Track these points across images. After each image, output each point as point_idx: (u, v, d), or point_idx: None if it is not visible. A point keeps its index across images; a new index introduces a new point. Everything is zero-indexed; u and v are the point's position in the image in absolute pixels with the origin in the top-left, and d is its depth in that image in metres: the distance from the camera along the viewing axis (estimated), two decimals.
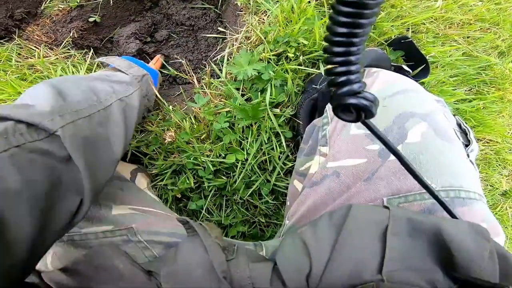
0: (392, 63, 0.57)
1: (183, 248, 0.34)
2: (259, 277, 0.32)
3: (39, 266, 0.37)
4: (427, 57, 0.58)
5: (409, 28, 0.63)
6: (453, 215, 0.31)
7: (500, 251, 0.28)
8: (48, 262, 0.37)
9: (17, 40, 0.65)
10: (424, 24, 0.65)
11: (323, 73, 0.52)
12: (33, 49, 0.65)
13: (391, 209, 0.32)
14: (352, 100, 0.18)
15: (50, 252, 0.37)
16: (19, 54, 0.63)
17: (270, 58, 0.54)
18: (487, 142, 0.67)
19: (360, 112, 0.19)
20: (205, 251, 0.32)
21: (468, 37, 0.67)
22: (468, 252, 0.27)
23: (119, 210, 0.42)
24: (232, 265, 0.32)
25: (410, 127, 0.38)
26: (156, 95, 0.56)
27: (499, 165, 0.69)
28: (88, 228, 0.38)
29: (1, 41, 0.65)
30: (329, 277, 0.29)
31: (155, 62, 0.66)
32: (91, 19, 0.71)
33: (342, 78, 0.18)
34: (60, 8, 0.69)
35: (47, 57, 0.64)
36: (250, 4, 0.62)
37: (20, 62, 0.62)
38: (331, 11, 0.17)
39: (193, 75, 0.61)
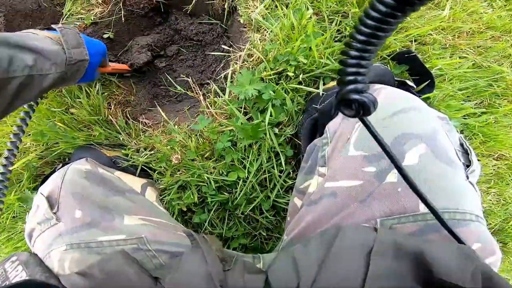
0: (396, 78, 0.56)
1: (186, 259, 0.38)
2: (253, 287, 0.34)
3: (57, 270, 0.40)
4: (432, 71, 0.57)
5: (413, 40, 0.61)
6: (452, 233, 0.32)
7: (486, 272, 0.28)
8: (66, 267, 0.40)
9: None
10: (431, 35, 0.63)
11: (321, 93, 0.52)
12: None
13: (378, 232, 0.33)
14: (355, 96, 0.21)
15: (68, 257, 0.40)
16: None
17: (271, 77, 0.55)
18: (499, 158, 0.64)
19: (359, 108, 0.21)
20: (206, 262, 0.35)
21: (478, 47, 0.65)
22: (449, 273, 0.28)
23: (130, 221, 0.45)
24: (229, 275, 0.35)
25: (408, 149, 0.38)
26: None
27: None
28: (103, 236, 0.42)
29: None
30: None
31: (118, 66, 0.66)
32: (105, 36, 0.74)
33: (350, 77, 0.21)
34: (76, 25, 0.73)
35: None
36: (252, 21, 0.63)
37: None
38: (357, 22, 0.20)
39: (199, 92, 0.64)
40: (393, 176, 0.38)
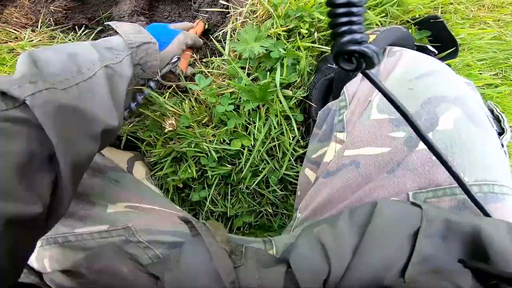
0: (415, 43, 0.52)
1: (187, 253, 0.32)
2: (271, 285, 0.29)
3: (38, 268, 0.35)
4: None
5: (437, 7, 0.57)
6: (485, 212, 0.29)
7: None
8: (47, 265, 0.35)
9: None
10: (452, 4, 0.59)
11: None
12: (12, 32, 0.60)
13: (424, 208, 0.29)
14: (353, 47, 0.19)
15: (46, 254, 0.35)
16: None
17: (280, 34, 0.48)
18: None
19: (361, 61, 0.19)
20: (211, 257, 0.29)
21: (498, 20, 0.63)
22: (507, 255, 0.25)
23: (115, 208, 0.38)
24: (240, 272, 0.30)
25: (441, 112, 0.34)
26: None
27: None
28: (81, 228, 0.35)
29: None
30: (348, 283, 0.26)
31: (195, 26, 0.62)
32: None
33: (344, 28, 0.19)
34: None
35: (29, 40, 0.59)
36: None
37: None
38: None
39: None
40: None
